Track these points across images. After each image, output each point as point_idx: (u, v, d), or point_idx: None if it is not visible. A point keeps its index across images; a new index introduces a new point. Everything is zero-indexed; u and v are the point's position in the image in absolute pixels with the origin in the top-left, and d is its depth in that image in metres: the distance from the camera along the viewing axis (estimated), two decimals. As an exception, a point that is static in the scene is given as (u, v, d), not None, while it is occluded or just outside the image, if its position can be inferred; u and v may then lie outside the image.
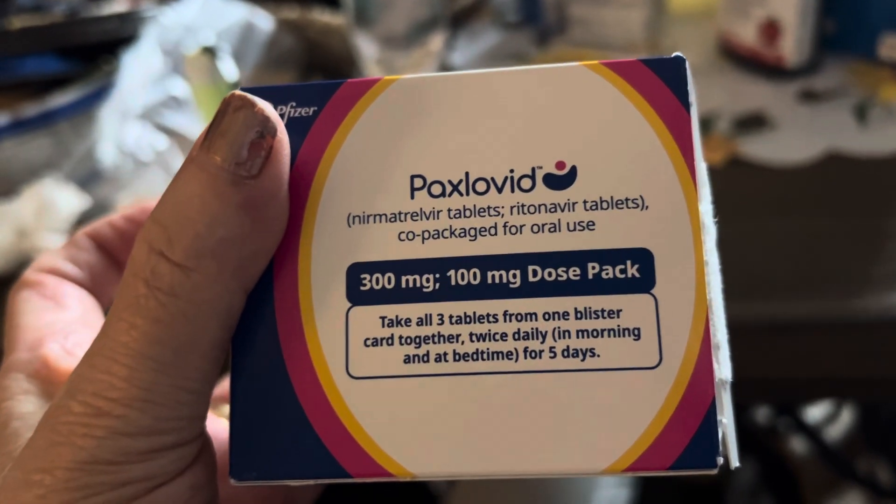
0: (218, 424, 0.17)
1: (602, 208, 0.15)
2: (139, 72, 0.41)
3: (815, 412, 0.62)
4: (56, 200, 0.38)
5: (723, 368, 0.14)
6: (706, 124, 0.42)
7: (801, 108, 0.43)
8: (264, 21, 0.46)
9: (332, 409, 0.14)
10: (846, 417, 0.62)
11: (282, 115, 0.15)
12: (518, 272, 0.15)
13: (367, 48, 0.42)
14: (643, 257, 0.14)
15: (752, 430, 0.61)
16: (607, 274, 0.14)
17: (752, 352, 0.32)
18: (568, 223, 0.15)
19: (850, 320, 0.31)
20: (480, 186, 0.15)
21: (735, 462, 0.14)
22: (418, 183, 0.15)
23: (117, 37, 0.43)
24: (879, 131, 0.40)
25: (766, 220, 0.36)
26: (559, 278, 0.14)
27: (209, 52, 0.35)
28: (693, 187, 0.15)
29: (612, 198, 0.15)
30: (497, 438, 0.14)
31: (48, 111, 0.41)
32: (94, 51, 0.43)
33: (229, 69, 0.37)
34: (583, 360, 0.14)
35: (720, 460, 0.14)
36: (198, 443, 0.14)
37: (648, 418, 0.14)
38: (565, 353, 0.14)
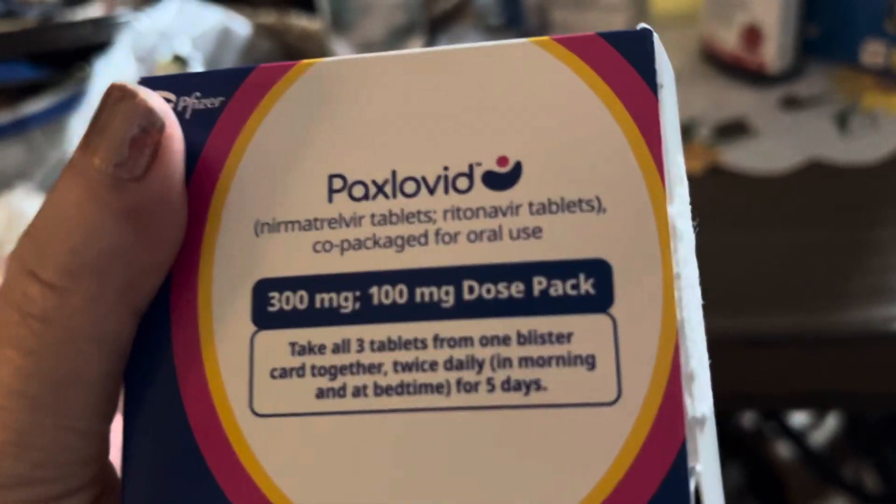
0: None
1: (551, 212, 0.12)
2: (112, 79, 0.40)
3: (800, 417, 0.62)
4: (27, 211, 0.37)
5: (698, 404, 0.12)
6: (686, 132, 0.41)
7: (783, 115, 0.42)
8: (241, 26, 0.45)
9: (233, 451, 0.12)
10: (832, 422, 0.62)
11: (184, 108, 0.13)
12: (451, 289, 0.12)
13: (343, 54, 0.42)
14: (599, 270, 0.12)
15: (737, 434, 0.61)
16: (556, 290, 0.12)
17: (730, 366, 0.31)
18: (511, 230, 0.12)
19: (832, 334, 0.30)
20: (409, 187, 0.13)
21: None
22: (337, 184, 0.13)
23: (91, 43, 0.43)
24: (861, 139, 0.39)
25: (746, 231, 0.35)
26: (499, 296, 0.12)
27: (180, 60, 0.34)
28: (661, 185, 0.12)
29: (562, 199, 0.12)
30: (424, 488, 0.12)
31: (20, 119, 0.40)
32: (68, 57, 0.42)
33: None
34: (526, 394, 0.12)
35: None
36: (92, 489, 0.12)
37: (603, 467, 0.12)
38: (506, 386, 0.12)
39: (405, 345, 0.12)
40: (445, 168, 0.13)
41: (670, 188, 0.12)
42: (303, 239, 0.13)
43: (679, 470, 0.11)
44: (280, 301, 0.13)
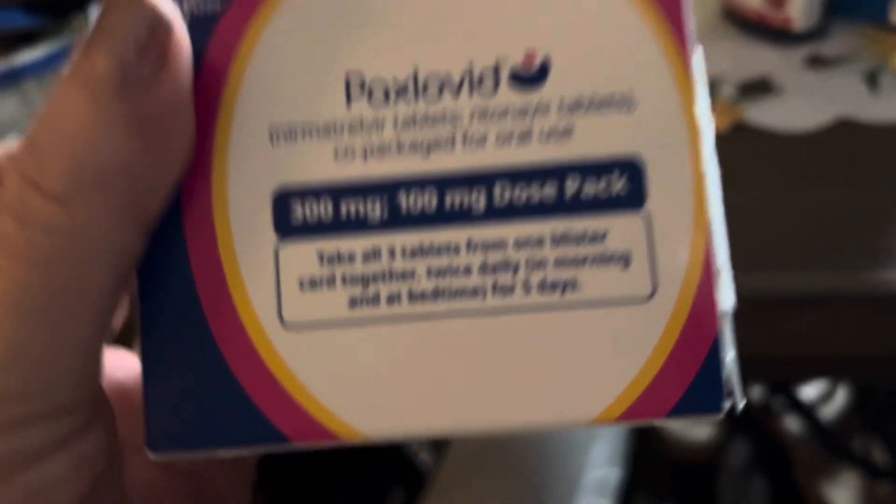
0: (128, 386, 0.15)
1: (582, 110, 0.12)
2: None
3: (809, 391, 0.61)
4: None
5: (725, 297, 0.12)
6: (711, 90, 0.40)
7: (809, 73, 0.41)
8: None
9: (263, 363, 0.12)
10: (841, 396, 0.61)
11: (186, 12, 0.12)
12: (482, 193, 0.12)
13: None
14: (632, 168, 0.12)
15: (745, 408, 0.60)
16: (589, 190, 0.12)
17: (757, 327, 0.30)
18: (541, 130, 0.12)
19: (862, 294, 0.29)
20: (433, 89, 0.12)
21: (740, 404, 0.12)
22: (355, 82, 0.12)
23: (88, -10, 0.41)
24: (892, 98, 0.37)
25: (772, 190, 0.34)
26: (531, 198, 0.12)
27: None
28: (688, 81, 0.12)
29: (592, 96, 0.12)
30: (464, 389, 0.12)
31: (14, 68, 0.39)
32: (64, 6, 0.41)
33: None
34: (562, 294, 0.12)
35: (727, 404, 0.12)
36: (82, 412, 0.12)
37: (642, 358, 0.12)
38: (542, 288, 0.12)
39: (438, 251, 0.12)
40: (470, 64, 0.12)
41: (695, 85, 0.12)
42: (322, 145, 0.12)
43: (714, 358, 0.12)
44: (304, 210, 0.12)
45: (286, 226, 0.12)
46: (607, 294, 0.12)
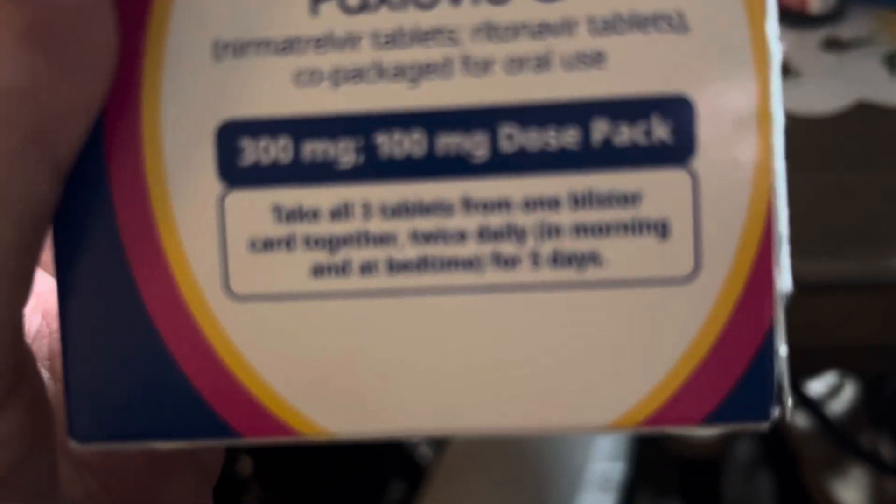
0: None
1: (617, 31, 0.09)
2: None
3: (816, 386, 0.60)
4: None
5: (784, 276, 0.10)
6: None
7: (827, 56, 0.40)
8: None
9: (206, 341, 0.10)
10: (849, 392, 0.60)
11: None
12: (484, 136, 0.10)
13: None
14: (678, 110, 0.09)
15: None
16: (622, 137, 0.09)
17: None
18: (563, 56, 0.09)
19: (883, 280, 0.29)
20: None
21: (789, 412, 0.10)
22: None
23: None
24: (912, 82, 0.37)
25: (792, 173, 0.33)
26: (547, 145, 0.10)
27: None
28: None
29: (632, 13, 0.09)
30: (454, 383, 0.10)
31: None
32: None
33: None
34: (580, 270, 0.10)
35: (775, 411, 0.10)
36: (1, 383, 0.10)
37: (678, 352, 0.10)
38: (554, 261, 0.10)
39: (425, 210, 0.10)
40: None
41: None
42: (280, 66, 0.10)
43: (766, 355, 0.10)
44: (256, 151, 0.10)
45: (233, 171, 0.10)
46: (637, 272, 0.10)
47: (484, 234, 0.10)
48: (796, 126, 0.35)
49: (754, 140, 0.10)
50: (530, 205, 0.10)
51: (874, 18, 0.41)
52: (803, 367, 0.43)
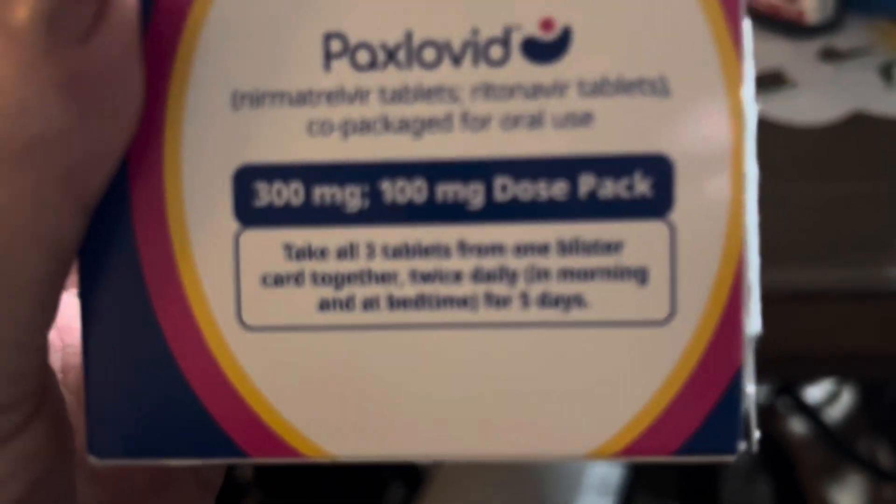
0: None
1: (605, 94, 0.10)
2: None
3: (815, 392, 0.60)
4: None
5: (752, 321, 0.10)
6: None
7: (823, 66, 0.40)
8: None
9: (218, 367, 0.10)
10: (847, 398, 0.60)
11: None
12: (480, 186, 0.10)
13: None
14: (659, 167, 0.10)
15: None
16: (607, 191, 0.10)
17: (772, 323, 0.30)
18: (555, 115, 0.10)
19: (878, 290, 0.29)
20: (429, 55, 0.10)
21: (755, 445, 0.11)
22: (336, 46, 0.10)
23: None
24: (908, 93, 0.37)
25: (786, 183, 0.34)
26: (538, 196, 0.10)
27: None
28: (737, 65, 0.10)
29: (619, 77, 0.10)
30: (447, 411, 0.10)
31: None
32: None
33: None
34: (566, 310, 0.10)
35: (742, 445, 0.10)
36: (27, 404, 0.10)
37: (652, 388, 0.10)
38: (543, 302, 0.10)
39: (424, 251, 0.10)
40: (474, 31, 0.10)
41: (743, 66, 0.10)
42: (294, 116, 0.10)
43: (734, 393, 0.10)
44: (270, 193, 0.10)
45: (248, 211, 0.11)
46: (618, 314, 0.10)
47: (478, 276, 0.10)
48: (793, 136, 0.35)
49: (728, 195, 0.10)
50: (521, 250, 0.10)
51: (871, 29, 0.42)
52: (801, 373, 0.43)
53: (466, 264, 0.10)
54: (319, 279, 0.11)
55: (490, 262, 0.10)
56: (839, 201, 0.32)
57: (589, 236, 0.10)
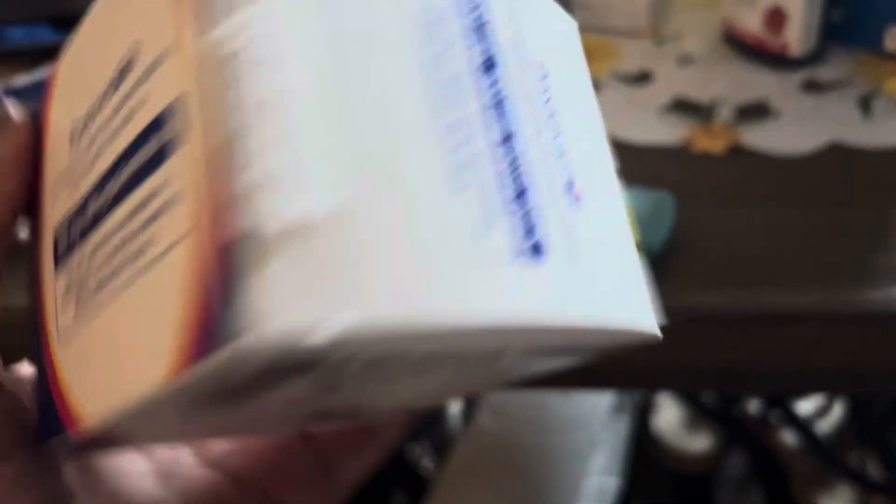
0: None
1: None
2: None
3: (806, 405, 0.61)
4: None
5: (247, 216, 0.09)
6: (708, 112, 0.40)
7: (805, 97, 0.41)
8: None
9: (54, 366, 0.14)
10: (837, 410, 0.61)
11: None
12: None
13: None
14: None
15: (742, 421, 0.61)
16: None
17: (753, 343, 0.31)
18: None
19: (855, 312, 0.30)
20: None
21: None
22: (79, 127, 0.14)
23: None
24: (884, 124, 0.38)
25: (767, 210, 0.35)
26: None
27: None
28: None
29: None
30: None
31: (39, 82, 0.40)
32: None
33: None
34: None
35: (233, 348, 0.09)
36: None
37: (172, 311, 0.10)
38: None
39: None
40: None
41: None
42: (64, 189, 0.15)
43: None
44: (62, 245, 0.15)
45: (56, 260, 0.15)
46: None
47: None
48: (775, 166, 0.36)
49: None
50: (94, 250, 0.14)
51: (852, 61, 0.43)
52: (789, 388, 0.44)
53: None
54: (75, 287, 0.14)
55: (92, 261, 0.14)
56: (817, 228, 0.33)
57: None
